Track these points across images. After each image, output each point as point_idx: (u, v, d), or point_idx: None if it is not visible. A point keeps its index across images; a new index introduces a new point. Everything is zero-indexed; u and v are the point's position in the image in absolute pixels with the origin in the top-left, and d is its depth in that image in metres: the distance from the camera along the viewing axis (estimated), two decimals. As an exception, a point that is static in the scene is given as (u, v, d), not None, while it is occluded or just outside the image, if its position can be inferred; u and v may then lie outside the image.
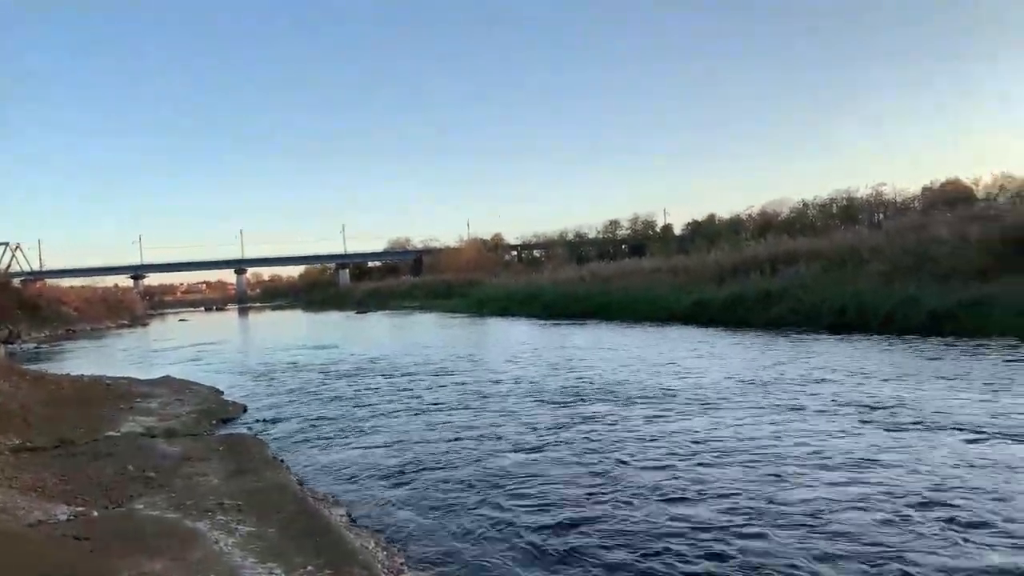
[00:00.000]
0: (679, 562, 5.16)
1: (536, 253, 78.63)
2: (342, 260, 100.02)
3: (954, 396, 10.14)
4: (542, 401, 11.82)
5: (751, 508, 6.07)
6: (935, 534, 5.34)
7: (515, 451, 8.56)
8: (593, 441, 8.81)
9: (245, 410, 12.64)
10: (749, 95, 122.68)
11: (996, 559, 4.88)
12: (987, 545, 5.11)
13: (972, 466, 6.86)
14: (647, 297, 30.62)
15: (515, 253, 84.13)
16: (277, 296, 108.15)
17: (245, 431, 10.85)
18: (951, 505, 5.88)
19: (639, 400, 11.37)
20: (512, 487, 7.12)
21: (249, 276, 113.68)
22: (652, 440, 8.66)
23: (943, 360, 13.55)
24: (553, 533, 5.82)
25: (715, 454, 7.86)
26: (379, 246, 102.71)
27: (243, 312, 78.49)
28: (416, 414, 11.37)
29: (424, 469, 8.02)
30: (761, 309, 23.85)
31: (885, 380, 11.78)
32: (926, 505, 5.92)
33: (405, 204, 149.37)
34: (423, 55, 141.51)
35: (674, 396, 11.52)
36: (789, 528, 5.61)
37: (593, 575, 5.12)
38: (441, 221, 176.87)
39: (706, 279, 29.98)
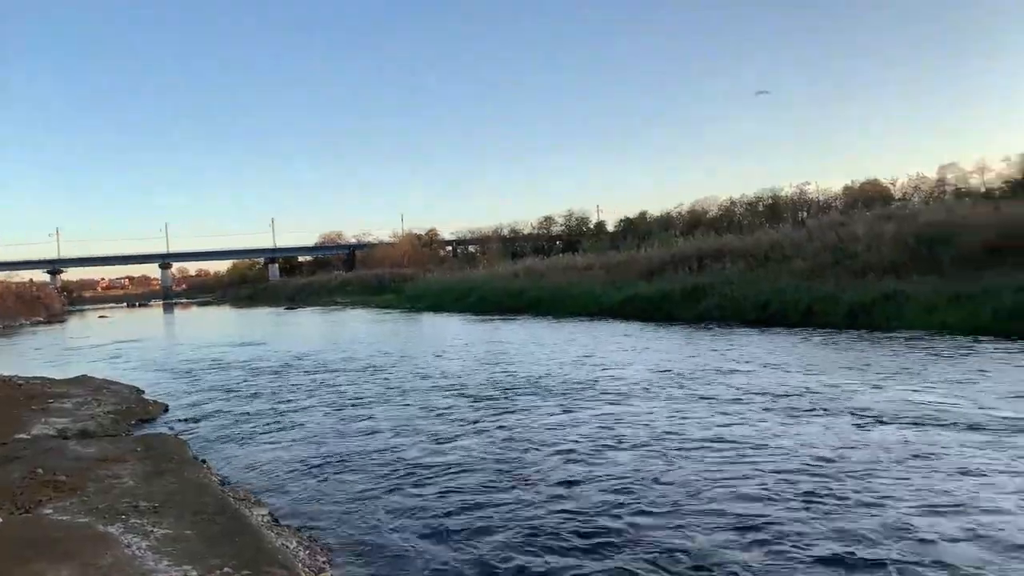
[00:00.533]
0: (570, 538, 5.52)
1: (471, 249, 78.45)
2: (272, 255, 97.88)
3: (855, 385, 10.78)
4: (465, 395, 11.91)
5: (640, 489, 6.53)
6: (801, 507, 5.86)
7: (435, 443, 8.69)
8: (509, 432, 9.03)
9: (166, 409, 12.28)
10: (681, 95, 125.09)
11: (846, 525, 5.43)
12: (843, 515, 5.64)
13: (851, 447, 7.45)
14: (580, 292, 30.96)
15: (450, 248, 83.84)
16: (204, 292, 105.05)
17: (166, 431, 10.54)
18: (821, 481, 6.46)
19: (559, 392, 11.60)
20: (430, 478, 7.25)
21: (175, 271, 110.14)
22: (564, 430, 8.98)
23: (852, 352, 14.26)
24: (467, 523, 5.98)
25: (621, 441, 8.25)
26: (310, 240, 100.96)
27: (168, 308, 76.01)
28: (341, 409, 11.33)
29: (347, 464, 8.01)
30: (689, 304, 24.40)
31: (796, 371, 12.39)
32: (799, 482, 6.47)
33: (338, 198, 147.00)
34: (357, 49, 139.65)
35: (594, 388, 11.82)
36: (669, 504, 6.09)
37: (500, 556, 5.31)
38: (375, 215, 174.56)
39: (637, 275, 30.50)
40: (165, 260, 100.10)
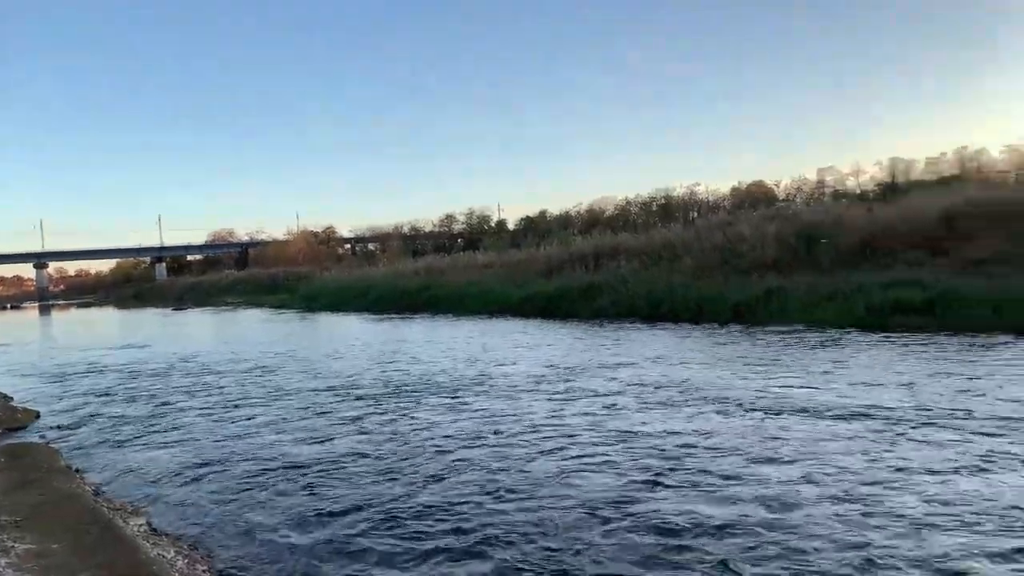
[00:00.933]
0: (434, 526, 5.72)
1: (371, 246, 77.30)
2: (159, 253, 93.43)
3: (729, 376, 11.41)
4: (353, 395, 11.75)
5: (506, 478, 6.79)
6: (653, 488, 6.31)
7: (317, 443, 8.60)
8: (392, 429, 9.06)
9: (38, 416, 11.49)
10: (583, 95, 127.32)
11: (688, 505, 5.86)
12: (686, 494, 6.11)
13: (709, 434, 7.96)
14: (480, 290, 31.00)
15: (348, 246, 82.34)
16: (85, 293, 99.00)
17: (36, 439, 9.88)
18: (676, 464, 6.96)
19: (449, 390, 11.65)
20: (311, 478, 7.18)
21: (52, 271, 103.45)
22: (447, 426, 9.10)
23: (733, 346, 15.01)
24: (345, 520, 5.99)
25: (499, 434, 8.46)
26: (200, 238, 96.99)
27: (45, 310, 71.12)
28: (224, 411, 10.98)
29: (228, 468, 7.77)
30: (586, 301, 24.85)
31: (678, 364, 12.96)
32: (655, 467, 6.89)
33: (230, 194, 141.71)
34: (255, 43, 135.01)
35: (483, 385, 11.94)
36: (530, 491, 6.40)
37: (373, 550, 5.39)
38: (269, 213, 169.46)
39: (537, 273, 30.82)
40: (40, 260, 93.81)
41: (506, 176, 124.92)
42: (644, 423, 8.63)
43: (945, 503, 5.59)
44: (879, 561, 4.69)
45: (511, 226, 67.44)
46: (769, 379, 11.00)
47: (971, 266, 17.63)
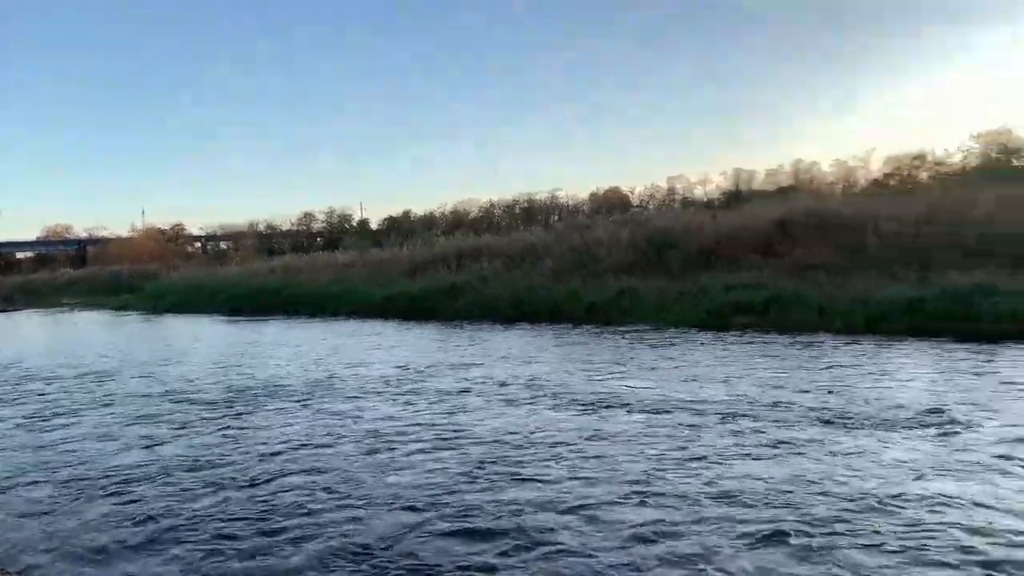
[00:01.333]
0: (254, 532, 5.69)
1: (223, 245, 73.68)
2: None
3: (572, 374, 11.95)
4: (193, 400, 11.23)
5: (335, 480, 6.81)
6: (475, 483, 6.59)
7: (145, 451, 8.25)
8: (228, 434, 8.79)
9: None
10: (444, 97, 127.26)
11: (505, 496, 6.22)
12: (505, 487, 6.43)
13: (539, 430, 8.34)
14: (341, 290, 30.25)
15: (199, 245, 78.15)
16: None
17: None
18: (501, 458, 7.29)
19: (294, 393, 11.36)
20: (135, 489, 6.86)
21: None
22: (285, 429, 8.96)
23: (585, 345, 15.70)
24: (169, 531, 5.78)
25: (337, 437, 8.44)
26: (31, 234, 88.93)
27: None
28: (46, 421, 10.19)
29: (42, 482, 7.22)
30: (448, 302, 24.84)
31: (528, 363, 13.36)
32: (481, 460, 7.23)
33: (66, 188, 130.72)
34: (97, 33, 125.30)
35: (330, 387, 11.75)
36: (357, 492, 6.48)
37: (196, 560, 5.25)
38: (112, 209, 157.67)
39: (400, 273, 30.51)
40: None
41: (368, 175, 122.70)
42: (481, 420, 8.90)
43: (712, 483, 6.27)
44: (649, 536, 5.25)
45: (374, 226, 66.43)
46: (608, 376, 11.60)
47: (802, 271, 19.11)
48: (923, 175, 40.52)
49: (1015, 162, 37.56)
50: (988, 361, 11.38)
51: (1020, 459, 6.56)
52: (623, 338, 16.36)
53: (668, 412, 8.90)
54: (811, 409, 8.73)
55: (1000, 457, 6.65)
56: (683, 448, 7.37)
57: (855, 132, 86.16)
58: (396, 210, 66.23)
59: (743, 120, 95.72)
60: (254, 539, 5.52)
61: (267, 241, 66.72)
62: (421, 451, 7.68)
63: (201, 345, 19.65)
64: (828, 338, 14.44)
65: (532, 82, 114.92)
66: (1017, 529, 5.07)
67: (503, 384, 11.24)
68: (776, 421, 8.27)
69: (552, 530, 5.41)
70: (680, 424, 8.30)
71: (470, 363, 13.61)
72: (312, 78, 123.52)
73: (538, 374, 11.98)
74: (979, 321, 14.06)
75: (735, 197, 42.85)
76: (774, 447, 7.30)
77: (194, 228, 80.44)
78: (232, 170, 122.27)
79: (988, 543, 4.86)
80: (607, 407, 9.33)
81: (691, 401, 9.42)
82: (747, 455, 7.06)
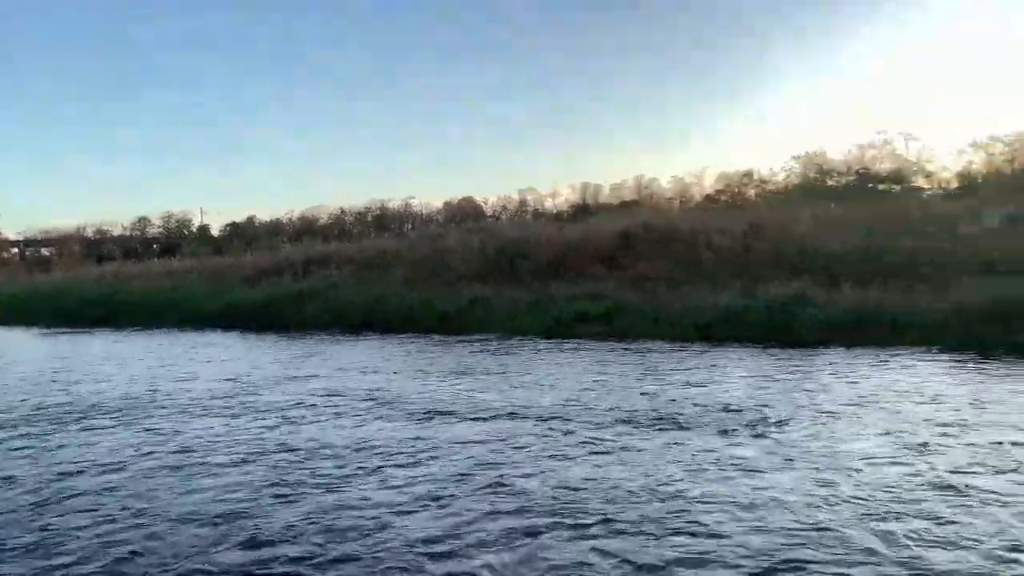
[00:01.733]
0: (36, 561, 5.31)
1: (45, 251, 67.48)
2: None
3: (413, 383, 11.97)
4: None
5: (141, 501, 6.45)
6: (276, 495, 6.48)
7: None
8: (18, 459, 8.03)
9: None
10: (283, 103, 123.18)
11: (307, 507, 6.19)
12: (310, 498, 6.40)
13: (362, 441, 8.25)
14: (177, 299, 28.45)
15: (16, 251, 71.13)
16: None
17: None
18: (315, 471, 7.18)
19: (111, 412, 10.45)
20: None
21: None
22: (89, 452, 8.25)
23: (431, 354, 15.73)
24: None
25: (144, 457, 7.93)
26: None
27: None
28: None
29: None
30: (294, 310, 24.06)
31: (371, 373, 13.18)
32: (285, 471, 7.16)
33: None
34: None
35: (149, 405, 10.94)
36: (152, 512, 6.17)
37: None
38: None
39: (242, 281, 29.20)
40: None
41: (210, 179, 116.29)
42: (305, 434, 8.66)
43: (500, 485, 6.54)
44: (433, 539, 5.42)
45: (215, 232, 63.24)
46: (448, 384, 11.69)
47: (643, 282, 20.13)
48: (751, 192, 43.97)
49: (829, 182, 41.59)
50: (797, 366, 12.43)
51: (819, 456, 7.15)
52: (471, 347, 16.52)
53: (497, 419, 9.07)
54: (630, 411, 9.20)
55: (803, 453, 7.27)
56: (498, 452, 7.61)
57: (694, 150, 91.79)
58: (240, 216, 63.53)
59: (591, 136, 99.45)
60: (34, 561, 5.23)
61: (96, 247, 61.77)
62: (232, 465, 7.37)
63: (10, 361, 17.84)
64: (662, 346, 15.31)
65: (389, 87, 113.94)
66: (795, 521, 5.49)
67: (338, 395, 10.98)
68: (596, 424, 8.65)
69: (345, 539, 5.44)
70: (503, 430, 8.51)
71: (309, 374, 13.24)
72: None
73: (377, 384, 11.82)
74: (797, 330, 15.41)
75: (582, 210, 44.56)
76: (585, 448, 7.64)
77: (10, 232, 73.01)
78: (59, 170, 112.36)
79: (767, 538, 5.22)
80: (438, 416, 9.36)
81: (521, 407, 9.66)
82: (558, 456, 7.39)
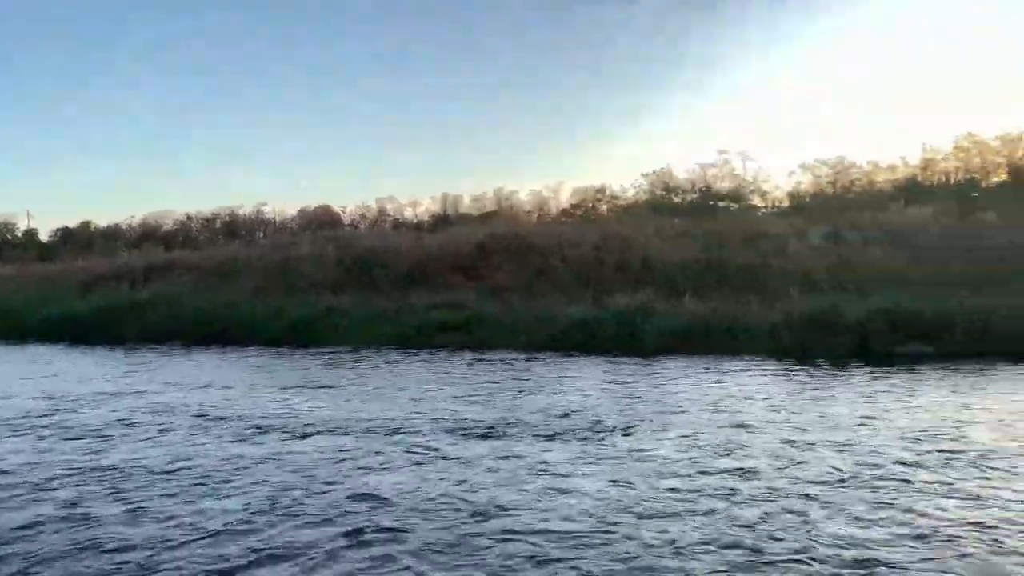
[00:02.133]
0: None
1: None
2: None
3: (251, 398, 11.43)
4: None
5: None
6: (122, 512, 6.18)
7: None
8: None
9: None
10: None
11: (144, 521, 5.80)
12: (105, 517, 6.07)
13: (180, 459, 7.83)
14: (-8, 310, 25.85)
15: None
16: None
17: None
18: (112, 493, 6.73)
19: None
20: None
21: None
22: None
23: (277, 367, 15.29)
24: None
25: None
26: None
27: None
28: None
29: None
30: (132, 321, 22.42)
31: (205, 388, 12.53)
32: (86, 495, 6.67)
33: None
34: None
35: None
36: None
37: None
38: None
39: (72, 289, 26.95)
40: None
41: (35, 180, 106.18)
42: (119, 454, 8.09)
43: (332, 494, 6.50)
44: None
45: (44, 237, 58.07)
46: (286, 399, 11.29)
47: (500, 291, 20.43)
48: (603, 207, 45.75)
49: (675, 199, 44.05)
50: (638, 375, 13.07)
51: (631, 461, 7.41)
52: (321, 359, 16.13)
53: (324, 433, 8.82)
54: (467, 421, 9.28)
55: (616, 457, 7.54)
56: (315, 467, 7.41)
57: (553, 164, 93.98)
58: (73, 220, 58.67)
59: (452, 147, 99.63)
60: None
61: None
62: (31, 490, 6.80)
63: None
64: (516, 355, 15.61)
65: (240, 91, 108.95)
66: (578, 523, 5.67)
67: (165, 412, 10.31)
68: (427, 434, 8.62)
69: (125, 564, 5.17)
70: (328, 445, 8.28)
71: (137, 390, 12.35)
72: None
73: (211, 400, 11.20)
74: (642, 339, 16.14)
75: (443, 220, 44.61)
76: (407, 458, 7.63)
77: None
78: None
79: (546, 539, 5.37)
80: (266, 432, 8.97)
81: (355, 420, 9.48)
82: (375, 468, 7.31)
